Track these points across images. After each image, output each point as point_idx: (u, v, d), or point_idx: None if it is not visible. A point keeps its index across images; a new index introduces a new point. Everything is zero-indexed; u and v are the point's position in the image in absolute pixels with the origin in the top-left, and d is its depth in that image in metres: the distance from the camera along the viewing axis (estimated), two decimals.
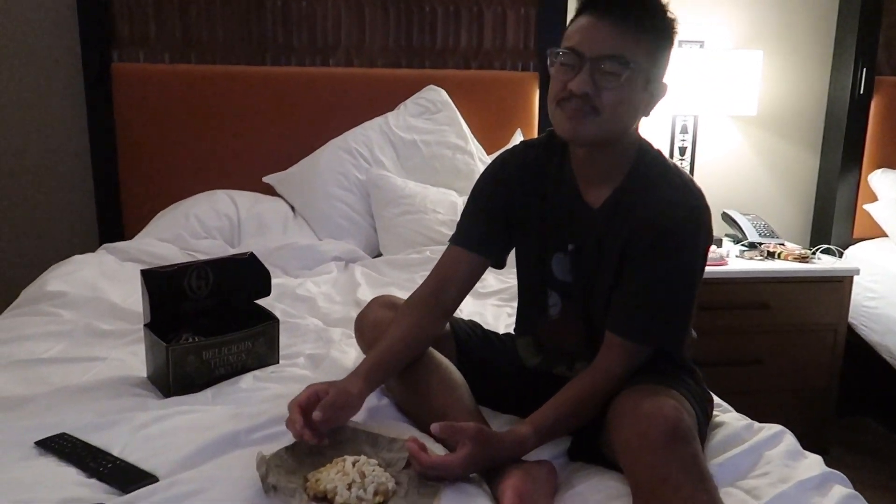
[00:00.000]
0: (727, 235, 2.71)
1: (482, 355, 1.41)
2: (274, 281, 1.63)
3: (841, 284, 2.41)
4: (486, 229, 1.34)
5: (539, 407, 1.18)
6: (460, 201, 2.33)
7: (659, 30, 1.17)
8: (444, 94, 2.53)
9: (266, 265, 1.57)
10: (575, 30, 1.18)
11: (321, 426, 1.11)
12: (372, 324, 1.41)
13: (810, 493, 1.08)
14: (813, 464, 1.15)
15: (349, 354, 1.54)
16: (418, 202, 2.32)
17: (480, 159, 2.48)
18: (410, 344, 1.28)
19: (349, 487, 1.01)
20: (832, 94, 2.78)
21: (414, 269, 2.12)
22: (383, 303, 1.46)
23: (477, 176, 1.39)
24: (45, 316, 1.71)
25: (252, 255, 1.55)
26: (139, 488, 1.02)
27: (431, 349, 1.32)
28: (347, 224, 2.37)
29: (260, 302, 1.58)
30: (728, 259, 2.43)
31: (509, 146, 1.51)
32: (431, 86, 2.54)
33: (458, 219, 1.38)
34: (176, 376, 1.36)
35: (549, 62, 1.20)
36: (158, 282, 1.41)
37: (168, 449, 1.13)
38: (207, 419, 1.23)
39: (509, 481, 1.06)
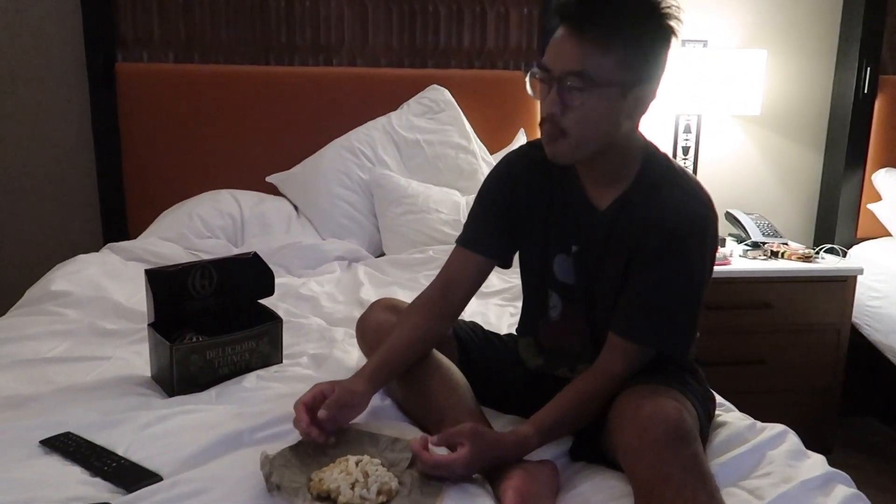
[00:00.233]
0: (731, 235, 2.70)
1: (484, 357, 1.41)
2: (277, 280, 1.64)
3: (844, 284, 2.41)
4: (492, 230, 1.34)
5: (541, 408, 1.18)
6: (463, 201, 2.32)
7: (636, 36, 1.10)
8: (447, 93, 2.53)
9: (269, 265, 1.57)
10: (550, 43, 1.16)
11: (326, 425, 1.12)
12: (374, 327, 1.41)
13: (813, 494, 1.07)
14: (816, 464, 1.15)
15: (352, 354, 1.54)
16: (421, 202, 2.32)
17: (483, 159, 2.47)
18: (415, 344, 1.28)
19: (352, 487, 1.01)
20: (836, 94, 2.77)
21: (417, 268, 2.12)
22: (385, 306, 1.46)
23: (480, 175, 1.40)
24: (50, 315, 1.71)
25: (256, 254, 1.56)
26: (143, 487, 1.03)
27: (433, 350, 1.32)
28: (350, 224, 2.37)
29: (263, 301, 1.58)
30: (731, 258, 2.43)
31: (513, 146, 1.51)
32: (434, 85, 2.54)
33: (463, 219, 1.38)
34: (180, 376, 1.36)
35: (528, 80, 1.19)
36: (162, 281, 1.41)
37: (172, 448, 1.13)
38: (211, 418, 1.24)
39: (511, 481, 1.06)
